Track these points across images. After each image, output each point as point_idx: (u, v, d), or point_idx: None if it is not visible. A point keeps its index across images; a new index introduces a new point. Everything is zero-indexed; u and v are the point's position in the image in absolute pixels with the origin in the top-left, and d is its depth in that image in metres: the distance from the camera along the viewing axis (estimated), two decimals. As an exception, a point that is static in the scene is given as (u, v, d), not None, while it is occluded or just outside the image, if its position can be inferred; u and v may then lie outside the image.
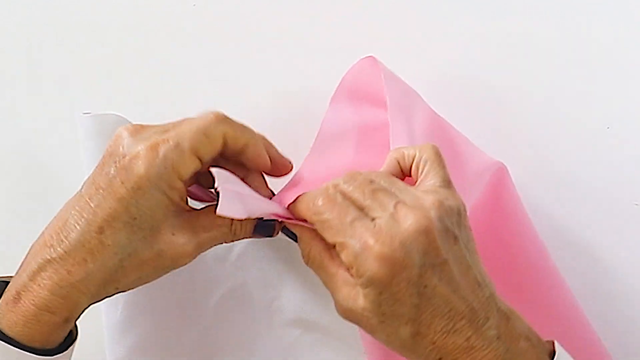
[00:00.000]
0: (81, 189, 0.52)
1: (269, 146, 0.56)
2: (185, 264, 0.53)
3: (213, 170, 0.50)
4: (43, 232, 0.52)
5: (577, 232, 0.68)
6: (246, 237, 0.55)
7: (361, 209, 0.49)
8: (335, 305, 0.51)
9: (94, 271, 0.51)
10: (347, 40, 0.69)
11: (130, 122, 0.55)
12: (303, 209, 0.52)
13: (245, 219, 0.54)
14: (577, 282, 0.65)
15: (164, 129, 0.52)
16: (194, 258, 0.54)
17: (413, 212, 0.48)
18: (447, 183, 0.51)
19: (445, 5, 0.68)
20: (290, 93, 0.71)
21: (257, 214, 0.53)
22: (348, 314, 0.50)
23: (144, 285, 0.60)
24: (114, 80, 0.73)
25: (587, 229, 0.67)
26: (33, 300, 0.51)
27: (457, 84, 0.68)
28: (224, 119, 0.52)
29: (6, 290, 0.52)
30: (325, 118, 0.62)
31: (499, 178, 0.63)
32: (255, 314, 0.64)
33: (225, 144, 0.52)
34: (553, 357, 0.50)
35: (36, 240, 0.52)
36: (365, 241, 0.48)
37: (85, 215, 0.50)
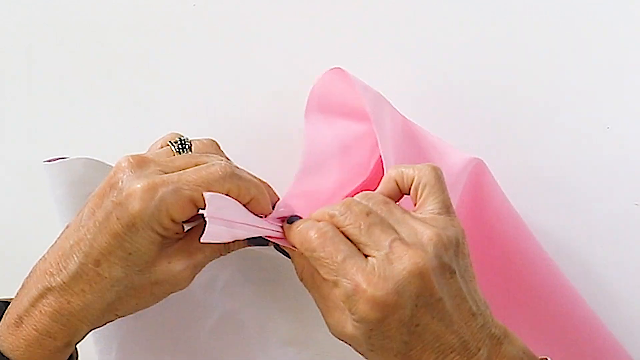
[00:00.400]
0: (80, 216, 0.52)
1: (272, 194, 0.55)
2: (185, 287, 0.54)
3: (206, 195, 0.49)
4: (45, 257, 0.52)
5: (577, 232, 0.68)
6: (241, 248, 0.55)
7: (356, 243, 0.49)
8: (327, 326, 0.51)
9: (93, 302, 0.51)
10: (347, 40, 0.69)
11: (99, 162, 0.56)
12: (296, 242, 0.51)
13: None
14: (577, 282, 0.65)
15: (167, 166, 0.51)
16: (193, 279, 0.54)
17: (409, 252, 0.48)
18: (446, 209, 0.51)
19: (443, 4, 0.68)
20: (290, 93, 0.71)
21: (245, 237, 0.53)
22: (338, 336, 0.51)
23: (135, 326, 0.60)
24: (114, 80, 0.73)
25: (587, 229, 0.67)
26: (35, 325, 0.51)
27: (456, 84, 0.68)
28: (230, 176, 0.51)
29: (6, 313, 0.53)
30: (306, 135, 0.62)
31: (478, 174, 0.64)
32: (249, 337, 0.64)
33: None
34: None
35: (37, 264, 0.53)
36: (358, 283, 0.47)
37: (82, 247, 0.51)
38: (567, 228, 0.68)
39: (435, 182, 0.52)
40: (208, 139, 0.56)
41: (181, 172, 0.51)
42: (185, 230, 0.53)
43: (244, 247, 0.55)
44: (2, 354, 0.51)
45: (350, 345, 0.50)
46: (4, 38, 0.75)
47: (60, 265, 0.51)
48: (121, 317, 0.53)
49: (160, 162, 0.52)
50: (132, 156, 0.51)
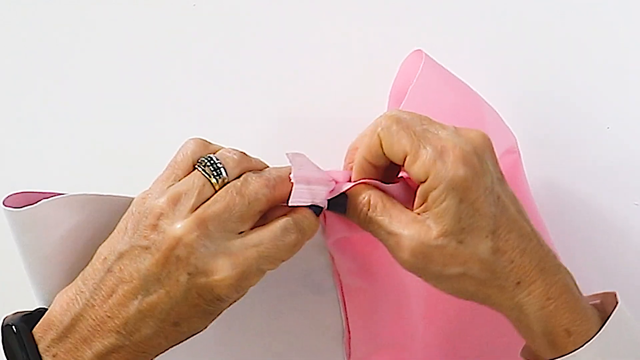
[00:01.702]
0: (140, 275, 0.49)
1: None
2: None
3: (289, 156, 0.50)
4: (92, 305, 0.50)
5: (577, 232, 0.68)
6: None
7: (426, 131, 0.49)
8: (402, 249, 0.50)
9: (167, 346, 0.52)
10: (347, 40, 0.69)
11: (66, 200, 0.52)
12: (369, 131, 0.51)
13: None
14: (577, 282, 0.65)
15: (229, 225, 0.49)
16: None
17: (472, 130, 0.50)
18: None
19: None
20: (290, 93, 0.71)
21: (321, 197, 0.52)
22: (419, 252, 0.49)
23: None
24: (113, 80, 0.73)
25: (587, 229, 0.67)
26: None
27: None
28: (301, 233, 0.51)
29: (54, 355, 0.51)
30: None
31: (513, 167, 0.63)
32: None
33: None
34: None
35: (83, 309, 0.51)
36: (443, 145, 0.48)
37: (156, 314, 0.50)
38: (567, 228, 0.68)
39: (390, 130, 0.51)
40: (234, 150, 0.53)
41: (258, 243, 0.49)
42: None
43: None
44: None
45: (430, 262, 0.49)
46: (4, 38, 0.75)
47: (131, 327, 0.50)
48: None
49: (220, 218, 0.49)
50: (194, 219, 0.49)
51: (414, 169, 0.48)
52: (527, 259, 0.49)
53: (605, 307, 0.52)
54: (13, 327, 0.51)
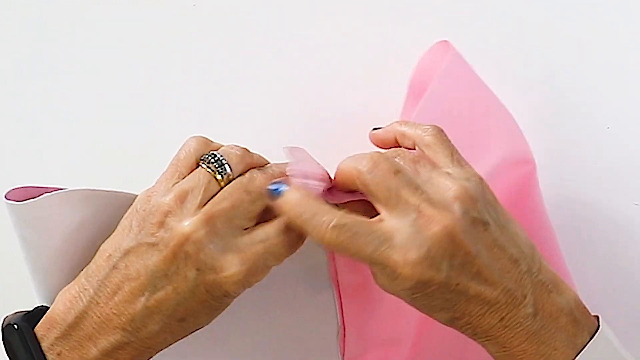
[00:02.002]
0: (147, 271, 0.50)
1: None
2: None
3: (285, 150, 0.51)
4: (97, 302, 0.51)
5: (577, 232, 0.68)
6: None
7: (383, 204, 0.48)
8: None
9: (172, 341, 0.52)
10: (348, 40, 0.69)
11: (68, 194, 0.52)
12: (367, 166, 0.50)
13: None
14: (577, 282, 0.65)
15: (235, 221, 0.50)
16: None
17: (437, 215, 0.47)
18: (458, 161, 0.51)
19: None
20: (290, 93, 0.71)
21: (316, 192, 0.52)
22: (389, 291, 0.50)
23: None
24: (113, 80, 0.73)
25: (587, 229, 0.66)
26: None
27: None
28: (278, 256, 0.51)
29: (58, 354, 0.51)
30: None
31: (525, 183, 0.62)
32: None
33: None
34: (594, 333, 0.51)
35: (87, 307, 0.51)
36: (389, 257, 0.47)
37: (163, 309, 0.50)
38: (567, 228, 0.68)
39: (437, 139, 0.51)
40: (237, 147, 0.53)
41: (264, 238, 0.50)
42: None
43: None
44: None
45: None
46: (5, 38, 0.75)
47: (137, 323, 0.50)
48: None
49: (227, 214, 0.49)
50: (202, 216, 0.49)
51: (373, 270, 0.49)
52: (486, 320, 0.49)
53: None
54: (14, 325, 0.51)
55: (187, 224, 0.49)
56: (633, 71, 0.65)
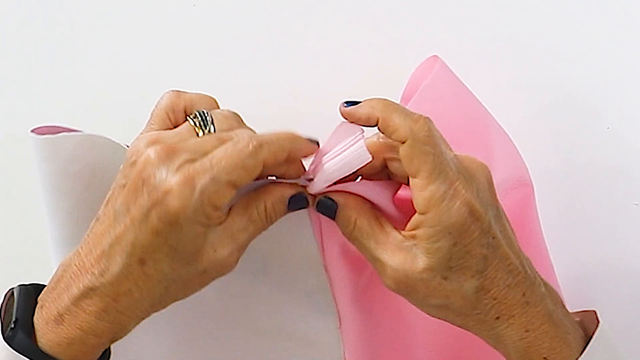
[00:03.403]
0: (112, 211, 0.50)
1: (303, 143, 0.53)
2: (231, 270, 0.53)
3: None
4: (79, 252, 0.51)
5: (577, 232, 0.68)
6: (281, 216, 0.54)
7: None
8: (386, 275, 0.50)
9: (141, 299, 0.50)
10: (347, 41, 0.70)
11: (91, 137, 0.53)
12: (403, 126, 0.49)
13: (278, 200, 0.52)
14: (576, 283, 0.65)
15: (196, 152, 0.49)
16: (238, 261, 0.53)
17: (474, 164, 0.50)
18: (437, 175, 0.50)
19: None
20: (290, 92, 0.71)
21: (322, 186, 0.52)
22: (402, 280, 0.50)
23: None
24: (113, 80, 0.73)
25: (587, 229, 0.67)
26: (79, 325, 0.50)
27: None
28: (260, 146, 0.49)
29: (42, 305, 0.51)
30: None
31: (524, 204, 0.62)
32: (230, 322, 0.63)
33: (264, 169, 0.50)
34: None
35: (72, 258, 0.51)
36: (456, 188, 0.47)
37: (124, 246, 0.49)
38: (567, 228, 0.68)
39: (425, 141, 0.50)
40: (229, 110, 0.53)
41: (211, 156, 0.49)
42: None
43: (285, 214, 0.53)
44: (41, 350, 0.50)
45: (412, 291, 0.50)
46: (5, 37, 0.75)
47: (102, 265, 0.50)
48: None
49: (189, 148, 0.49)
50: (160, 147, 0.49)
51: (419, 196, 0.48)
52: (511, 294, 0.49)
53: (586, 325, 0.52)
54: (17, 287, 0.52)
55: (148, 151, 0.49)
56: (633, 71, 0.65)
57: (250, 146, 0.49)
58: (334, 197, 0.52)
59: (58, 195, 0.55)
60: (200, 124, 0.52)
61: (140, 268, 0.50)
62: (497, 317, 0.50)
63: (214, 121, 0.51)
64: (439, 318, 0.52)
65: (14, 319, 0.51)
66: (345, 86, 0.69)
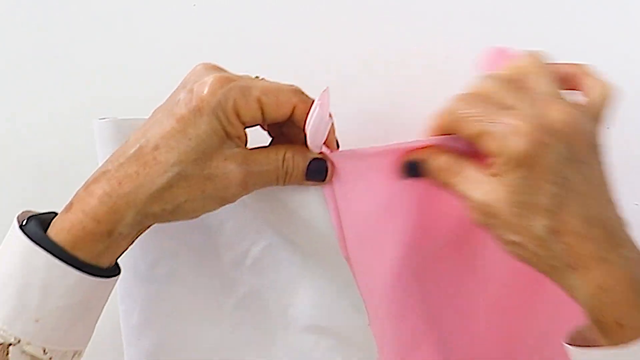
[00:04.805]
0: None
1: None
2: (232, 199, 0.54)
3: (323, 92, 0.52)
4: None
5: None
6: (297, 182, 0.55)
7: (502, 106, 0.50)
8: (471, 209, 0.51)
9: (143, 184, 0.52)
10: (347, 41, 0.69)
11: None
12: (443, 115, 0.53)
13: (299, 155, 0.54)
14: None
15: (242, 76, 0.53)
16: (242, 193, 0.54)
17: (560, 106, 0.49)
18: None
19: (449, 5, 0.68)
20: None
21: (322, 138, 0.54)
22: (484, 211, 0.51)
23: (160, 290, 0.60)
24: (113, 80, 0.73)
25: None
26: (83, 208, 0.52)
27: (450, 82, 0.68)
28: (299, 92, 0.53)
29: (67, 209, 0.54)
30: None
31: None
32: (271, 319, 0.64)
33: (292, 114, 0.53)
34: None
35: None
36: (513, 124, 0.48)
37: (145, 134, 0.52)
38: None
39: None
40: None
41: (254, 79, 0.53)
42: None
43: (300, 182, 0.55)
44: (47, 237, 0.52)
45: (493, 222, 0.50)
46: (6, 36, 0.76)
47: (121, 151, 0.53)
48: (166, 218, 0.53)
49: (238, 79, 0.53)
50: (208, 63, 0.54)
51: (485, 144, 0.50)
52: (587, 245, 0.48)
53: None
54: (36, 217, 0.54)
55: (199, 66, 0.54)
56: (633, 71, 0.65)
57: (292, 87, 0.54)
58: (416, 156, 0.55)
59: None
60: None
61: (152, 152, 0.52)
62: (570, 266, 0.49)
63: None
64: (517, 258, 0.51)
65: (33, 214, 0.54)
66: (339, 86, 0.69)
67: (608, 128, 0.66)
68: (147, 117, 0.57)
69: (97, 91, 0.74)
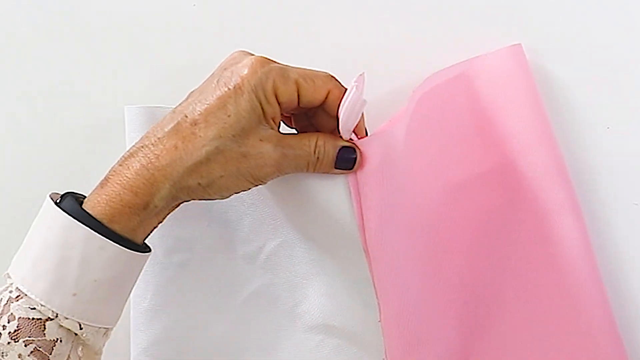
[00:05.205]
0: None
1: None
2: (265, 179, 0.55)
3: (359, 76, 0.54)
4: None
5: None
6: (326, 170, 0.56)
7: None
8: None
9: (181, 157, 0.53)
10: (347, 41, 0.69)
11: None
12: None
13: (330, 143, 0.56)
14: (577, 282, 0.65)
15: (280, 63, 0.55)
16: (274, 174, 0.55)
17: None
18: None
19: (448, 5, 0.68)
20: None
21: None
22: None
23: (174, 277, 0.60)
24: (114, 80, 0.73)
25: (587, 229, 0.66)
26: (119, 180, 0.53)
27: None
28: (333, 78, 0.55)
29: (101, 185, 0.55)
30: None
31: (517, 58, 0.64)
32: (279, 316, 0.64)
33: (325, 100, 0.55)
34: None
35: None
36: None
37: (184, 110, 0.53)
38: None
39: None
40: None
41: (292, 66, 0.55)
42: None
43: (329, 171, 0.56)
44: (85, 211, 0.52)
45: None
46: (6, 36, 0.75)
47: (159, 126, 0.54)
48: (201, 195, 0.54)
49: (277, 65, 0.55)
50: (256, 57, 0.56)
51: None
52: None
53: None
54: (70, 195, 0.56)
55: (239, 52, 0.58)
56: (633, 71, 0.65)
57: (327, 74, 0.55)
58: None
59: None
60: None
61: (191, 128, 0.53)
62: None
63: None
64: None
65: (66, 192, 0.55)
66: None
67: (608, 128, 0.66)
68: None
69: (94, 93, 0.74)
